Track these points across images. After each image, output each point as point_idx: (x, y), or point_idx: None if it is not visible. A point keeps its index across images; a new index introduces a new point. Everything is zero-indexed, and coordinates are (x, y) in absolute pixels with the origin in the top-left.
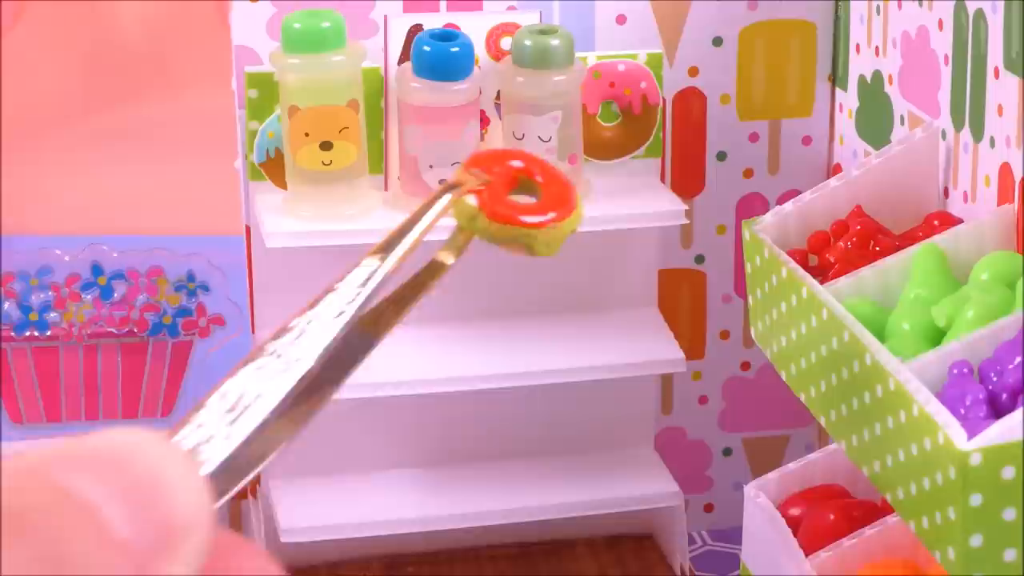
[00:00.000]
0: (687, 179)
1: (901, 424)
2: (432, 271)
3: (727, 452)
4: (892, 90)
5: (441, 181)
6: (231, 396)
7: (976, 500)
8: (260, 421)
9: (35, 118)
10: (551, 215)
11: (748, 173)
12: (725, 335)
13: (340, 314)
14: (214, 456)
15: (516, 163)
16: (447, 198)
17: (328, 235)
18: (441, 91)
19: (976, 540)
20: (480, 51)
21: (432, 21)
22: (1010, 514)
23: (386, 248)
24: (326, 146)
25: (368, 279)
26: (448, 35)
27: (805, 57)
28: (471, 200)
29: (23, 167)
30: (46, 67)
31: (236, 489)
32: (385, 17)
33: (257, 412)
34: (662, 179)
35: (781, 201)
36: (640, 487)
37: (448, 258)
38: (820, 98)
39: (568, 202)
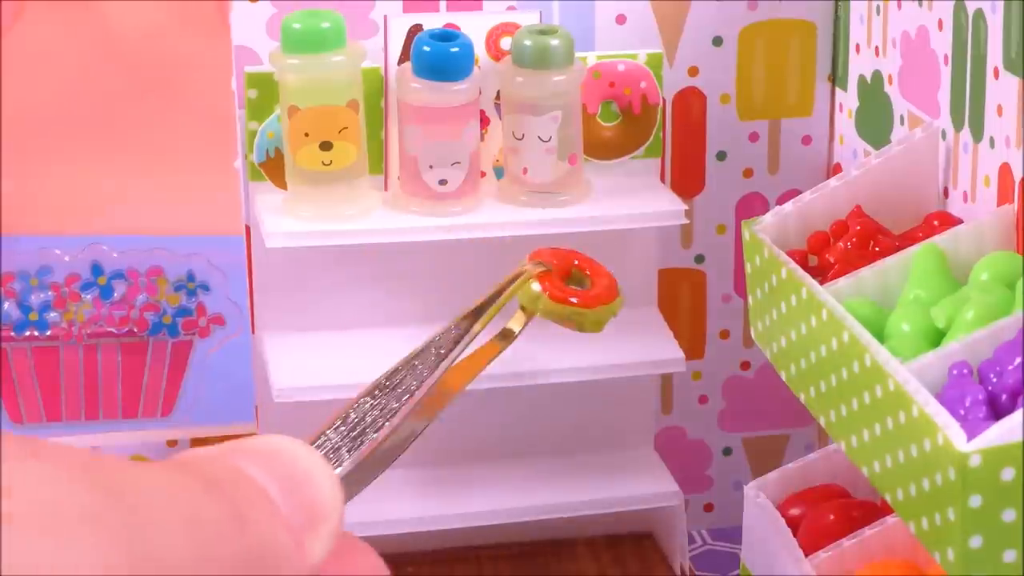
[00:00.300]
0: (687, 179)
1: (901, 425)
2: (504, 336)
3: (727, 452)
4: (892, 90)
5: (441, 181)
6: (352, 419)
7: (976, 501)
8: (377, 440)
9: (35, 118)
10: (599, 301)
11: (748, 173)
12: (725, 335)
13: (439, 361)
14: (341, 464)
15: (574, 261)
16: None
17: (328, 235)
18: (441, 91)
19: (976, 541)
20: (480, 51)
21: (432, 21)
22: (1010, 515)
23: (474, 315)
24: (326, 146)
25: (461, 338)
26: (448, 35)
27: (805, 57)
28: (535, 286)
29: (23, 167)
30: (46, 67)
31: (352, 498)
32: (385, 17)
33: (374, 434)
34: (662, 179)
35: (781, 201)
36: (640, 487)
37: (516, 328)
38: (820, 98)
39: (612, 291)
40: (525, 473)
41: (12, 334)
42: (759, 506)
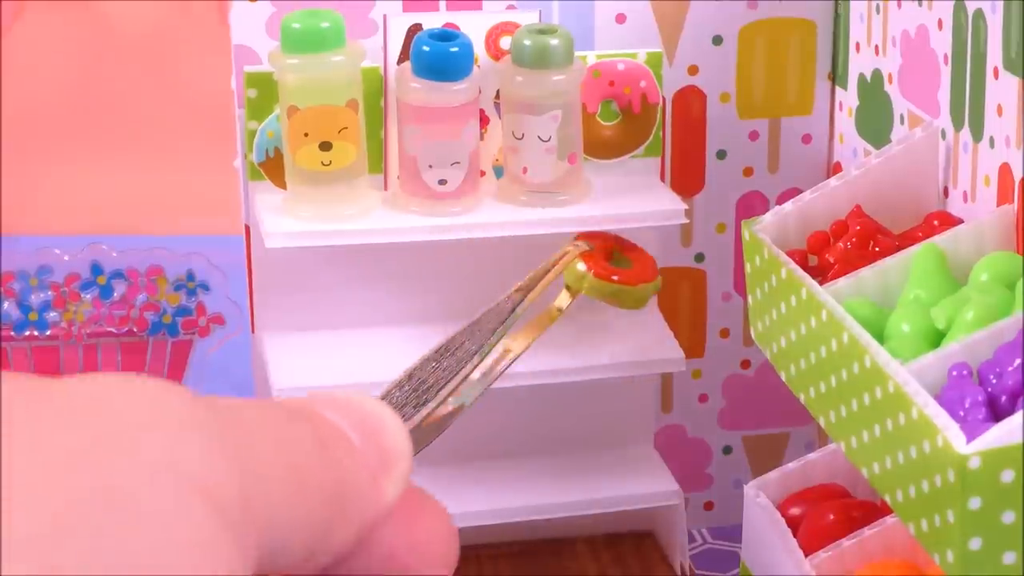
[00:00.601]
0: (687, 178)
1: (900, 426)
2: (549, 313)
3: (727, 450)
4: (892, 89)
5: (441, 181)
6: (416, 379)
7: (975, 503)
8: (443, 396)
9: (35, 118)
10: (640, 278)
11: (748, 171)
12: (725, 333)
13: (495, 328)
14: (408, 417)
15: (615, 243)
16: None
17: (327, 235)
18: (440, 91)
19: (975, 543)
20: (480, 50)
21: (431, 20)
22: (1009, 517)
23: (524, 290)
24: (325, 146)
25: (515, 308)
26: (447, 35)
27: (805, 55)
28: (580, 266)
29: (23, 167)
30: (46, 67)
31: (416, 454)
32: (384, 16)
33: (436, 393)
34: (662, 178)
35: (781, 199)
36: (640, 486)
37: (563, 304)
38: (820, 96)
39: (652, 271)
40: (525, 472)
41: (12, 334)
42: (759, 506)
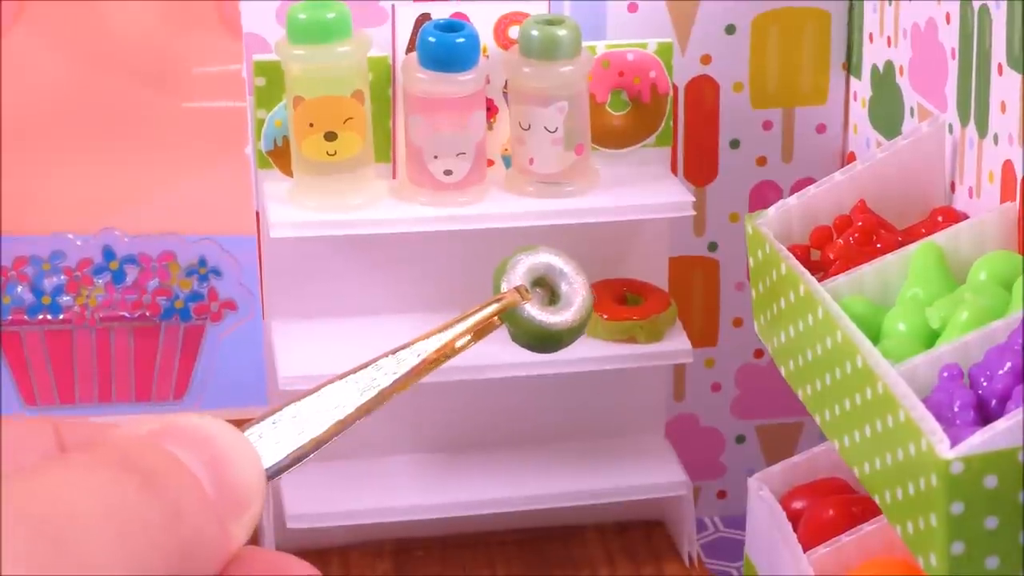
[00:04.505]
0: (700, 167)
1: (889, 428)
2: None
3: (740, 439)
4: (903, 81)
5: (447, 172)
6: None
7: (957, 508)
8: (301, 445)
9: (38, 116)
10: (652, 311)
11: (761, 161)
12: (738, 322)
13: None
14: (267, 456)
15: (623, 285)
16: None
17: (333, 225)
18: (446, 82)
19: (957, 547)
20: (488, 40)
21: (440, 10)
22: (992, 522)
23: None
24: (330, 136)
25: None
26: (453, 25)
27: (819, 45)
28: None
29: (29, 166)
30: (46, 67)
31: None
32: (393, 6)
33: (303, 439)
34: (673, 167)
35: (795, 189)
36: (649, 475)
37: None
38: (834, 86)
39: (664, 302)
40: (535, 460)
41: (25, 318)
42: (761, 499)
